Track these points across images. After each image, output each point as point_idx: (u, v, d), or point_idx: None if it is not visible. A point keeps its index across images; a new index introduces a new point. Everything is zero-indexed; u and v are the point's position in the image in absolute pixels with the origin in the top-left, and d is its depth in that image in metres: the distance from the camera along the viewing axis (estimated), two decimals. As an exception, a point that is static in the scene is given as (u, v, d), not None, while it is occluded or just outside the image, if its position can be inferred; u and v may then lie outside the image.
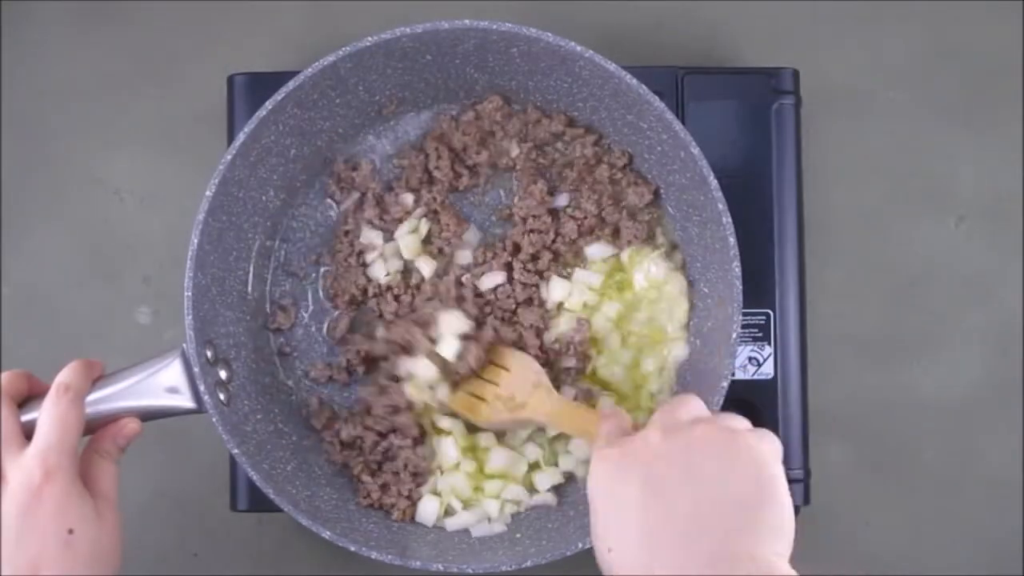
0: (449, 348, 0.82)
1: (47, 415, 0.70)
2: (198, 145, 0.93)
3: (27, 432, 0.71)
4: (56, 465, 0.68)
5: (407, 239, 0.86)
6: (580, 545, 0.76)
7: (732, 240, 0.78)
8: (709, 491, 0.61)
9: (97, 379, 0.75)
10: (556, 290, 0.85)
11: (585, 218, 0.85)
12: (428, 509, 0.84)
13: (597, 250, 0.85)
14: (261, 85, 0.85)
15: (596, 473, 0.65)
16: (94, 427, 0.74)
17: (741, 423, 0.65)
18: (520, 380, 0.82)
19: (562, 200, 0.86)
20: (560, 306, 0.86)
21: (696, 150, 0.77)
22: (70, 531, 0.68)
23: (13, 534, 0.67)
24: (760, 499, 0.61)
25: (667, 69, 0.88)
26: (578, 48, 0.77)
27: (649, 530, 0.61)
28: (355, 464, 0.85)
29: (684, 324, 0.85)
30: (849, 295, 0.94)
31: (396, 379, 0.84)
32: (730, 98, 0.88)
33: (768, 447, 0.63)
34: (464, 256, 0.87)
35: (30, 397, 0.74)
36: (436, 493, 0.84)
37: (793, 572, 0.60)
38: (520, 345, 0.84)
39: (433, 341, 0.83)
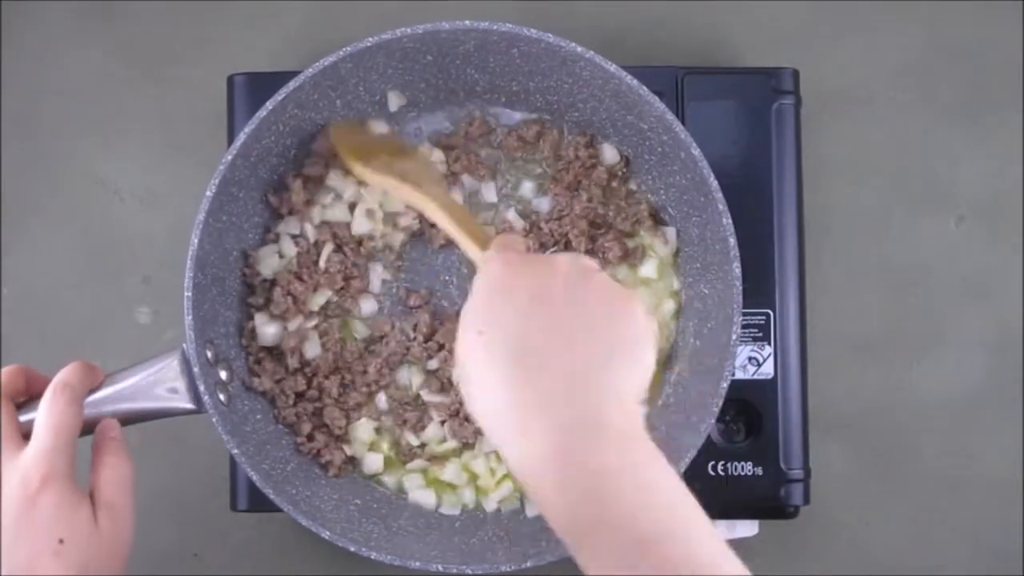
0: None
1: (44, 416, 0.70)
2: (198, 145, 0.93)
3: (26, 432, 0.71)
4: (52, 471, 0.68)
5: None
6: (580, 546, 0.76)
7: (732, 241, 0.78)
8: (594, 320, 0.61)
9: (96, 387, 0.75)
10: None
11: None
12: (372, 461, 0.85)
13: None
14: (261, 85, 0.85)
15: (493, 267, 0.64)
16: (93, 428, 0.74)
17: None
18: (422, 169, 0.80)
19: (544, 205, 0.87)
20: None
21: (696, 151, 0.77)
22: (60, 540, 0.67)
23: (10, 537, 0.67)
24: (637, 343, 0.61)
25: (667, 69, 0.88)
26: (579, 49, 0.77)
27: (522, 329, 0.60)
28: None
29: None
30: (849, 295, 0.94)
31: None
32: (730, 98, 0.88)
33: (645, 310, 0.63)
34: None
35: (30, 395, 0.74)
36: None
37: (639, 417, 0.60)
38: None
39: None
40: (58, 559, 0.67)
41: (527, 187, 0.87)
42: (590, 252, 0.85)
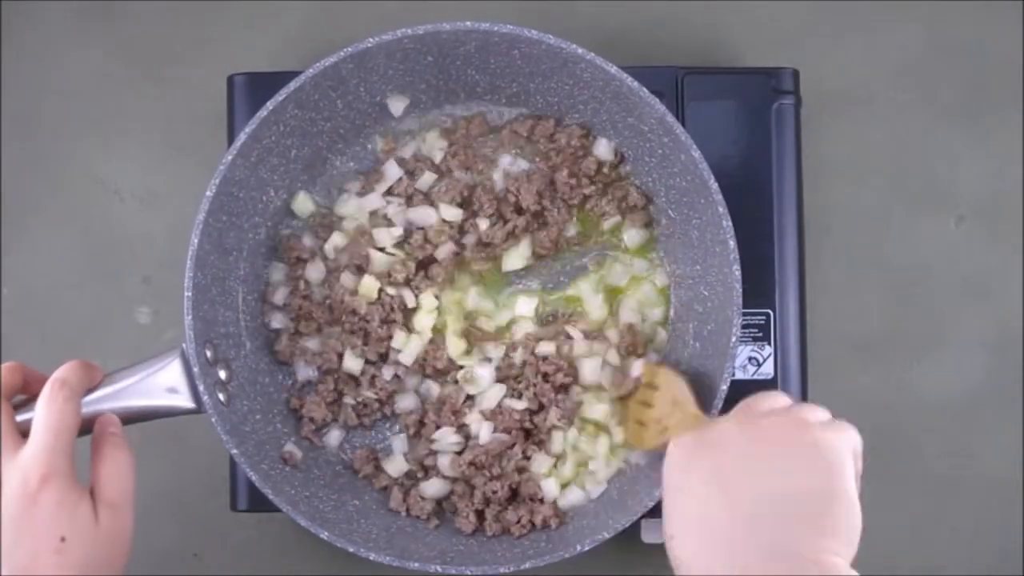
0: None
1: (42, 414, 0.70)
2: (198, 145, 0.93)
3: (24, 430, 0.71)
4: (52, 468, 0.68)
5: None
6: (579, 548, 0.76)
7: (732, 244, 0.77)
8: (771, 483, 0.60)
9: (95, 386, 0.75)
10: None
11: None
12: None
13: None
14: (261, 85, 0.85)
15: (669, 459, 0.65)
16: (93, 427, 0.74)
17: (817, 415, 0.63)
18: (669, 398, 0.78)
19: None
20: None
21: (697, 153, 0.77)
22: (62, 539, 0.67)
23: (10, 537, 0.67)
24: (823, 496, 0.60)
25: (667, 69, 0.88)
26: (580, 51, 0.77)
27: (709, 521, 0.60)
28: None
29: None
30: (849, 295, 0.94)
31: None
32: (730, 98, 0.88)
33: (841, 442, 0.62)
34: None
35: (28, 394, 0.74)
36: None
37: (854, 573, 0.58)
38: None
39: None
40: (60, 558, 0.67)
41: (519, 163, 0.87)
42: (538, 214, 0.86)
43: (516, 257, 0.86)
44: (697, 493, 0.62)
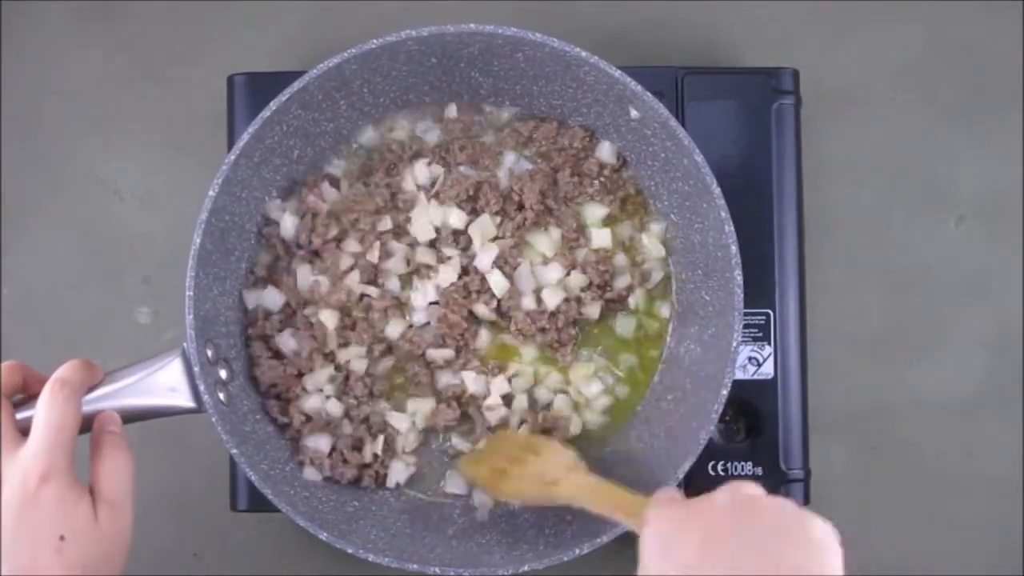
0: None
1: (43, 413, 0.70)
2: (198, 145, 0.93)
3: (23, 428, 0.71)
4: (52, 467, 0.68)
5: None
6: (578, 551, 0.76)
7: (734, 248, 0.77)
8: (772, 563, 0.60)
9: (96, 385, 0.75)
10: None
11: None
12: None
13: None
14: (261, 85, 0.85)
15: (655, 525, 0.63)
16: (92, 425, 0.74)
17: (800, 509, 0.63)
18: (552, 464, 0.78)
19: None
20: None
21: (700, 158, 0.77)
22: (61, 537, 0.67)
23: (10, 536, 0.67)
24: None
25: (667, 69, 0.88)
26: (583, 54, 0.77)
27: None
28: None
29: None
30: (849, 295, 0.94)
31: None
32: (730, 98, 0.88)
33: (830, 535, 0.62)
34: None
35: (28, 393, 0.74)
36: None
37: None
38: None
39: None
40: (59, 556, 0.67)
41: (523, 163, 0.87)
42: (541, 213, 0.86)
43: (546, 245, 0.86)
44: (692, 559, 0.60)
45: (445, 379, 0.86)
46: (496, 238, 0.86)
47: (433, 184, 0.86)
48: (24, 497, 0.67)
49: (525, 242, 0.86)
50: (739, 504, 0.62)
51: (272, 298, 0.85)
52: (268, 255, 0.86)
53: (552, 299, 0.85)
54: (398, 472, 0.85)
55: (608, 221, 0.86)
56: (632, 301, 0.86)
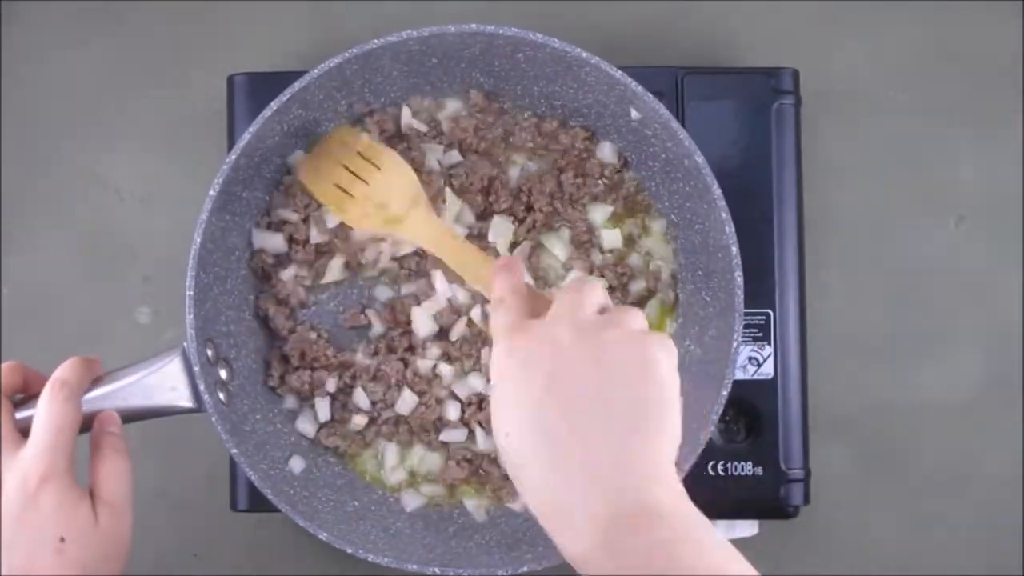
0: None
1: (42, 414, 0.70)
2: (198, 145, 0.93)
3: (23, 429, 0.71)
4: (52, 468, 0.68)
5: None
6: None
7: (735, 250, 0.77)
8: (611, 394, 0.60)
9: (96, 380, 0.75)
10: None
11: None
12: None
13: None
14: (261, 85, 0.85)
15: (501, 358, 0.63)
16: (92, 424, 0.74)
17: (640, 321, 0.63)
18: (396, 188, 0.80)
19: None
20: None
21: (700, 159, 0.77)
22: (61, 539, 0.67)
23: (10, 536, 0.67)
24: (657, 411, 0.61)
25: (667, 69, 0.88)
26: (584, 54, 0.77)
27: (544, 425, 0.60)
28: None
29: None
30: (849, 295, 0.94)
31: None
32: (730, 98, 0.88)
33: (669, 358, 0.62)
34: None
35: (28, 393, 0.74)
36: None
37: (679, 485, 0.60)
38: None
39: None
40: (59, 558, 0.67)
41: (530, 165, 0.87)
42: (550, 214, 0.85)
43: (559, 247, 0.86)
44: (534, 396, 0.60)
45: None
46: (514, 243, 0.86)
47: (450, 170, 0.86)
48: (24, 498, 0.67)
49: (540, 244, 0.86)
50: (583, 338, 0.61)
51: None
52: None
53: None
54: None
55: (615, 220, 0.86)
56: (646, 311, 0.86)
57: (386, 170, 0.81)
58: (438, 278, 0.85)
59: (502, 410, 0.62)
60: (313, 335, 0.85)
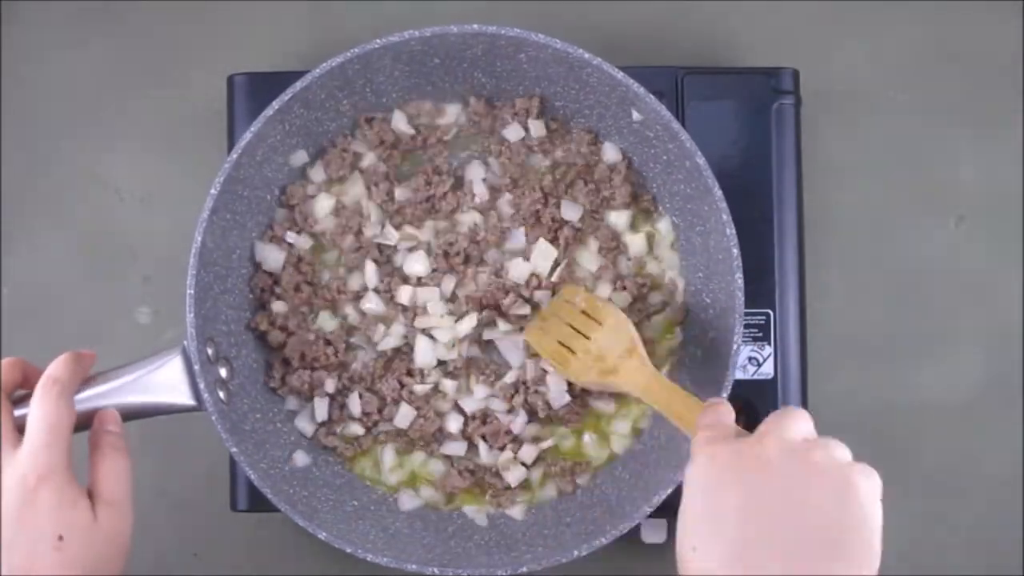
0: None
1: (36, 412, 0.69)
2: (198, 145, 0.93)
3: (23, 426, 0.71)
4: (50, 467, 0.68)
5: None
6: (576, 553, 0.76)
7: (735, 251, 0.77)
8: (814, 520, 0.60)
9: (91, 379, 0.74)
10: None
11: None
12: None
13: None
14: (261, 85, 0.85)
15: (700, 468, 0.63)
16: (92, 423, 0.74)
17: (846, 453, 0.63)
18: (613, 341, 0.80)
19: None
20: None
21: (701, 160, 0.77)
22: (60, 537, 0.67)
23: (9, 535, 0.67)
24: (859, 539, 0.61)
25: (667, 69, 0.88)
26: (586, 55, 0.77)
27: (743, 542, 0.59)
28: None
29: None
30: (849, 295, 0.94)
31: None
32: (730, 98, 0.88)
33: (873, 487, 0.62)
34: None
35: (28, 389, 0.74)
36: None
37: None
38: None
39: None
40: (58, 556, 0.67)
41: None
42: (536, 215, 0.85)
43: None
44: (733, 510, 0.60)
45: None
46: (556, 264, 0.85)
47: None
48: (23, 497, 0.67)
49: (575, 261, 0.86)
50: (788, 456, 0.61)
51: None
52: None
53: None
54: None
55: (634, 223, 0.86)
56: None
57: (607, 325, 0.81)
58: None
59: (691, 522, 0.62)
60: (312, 336, 0.85)
